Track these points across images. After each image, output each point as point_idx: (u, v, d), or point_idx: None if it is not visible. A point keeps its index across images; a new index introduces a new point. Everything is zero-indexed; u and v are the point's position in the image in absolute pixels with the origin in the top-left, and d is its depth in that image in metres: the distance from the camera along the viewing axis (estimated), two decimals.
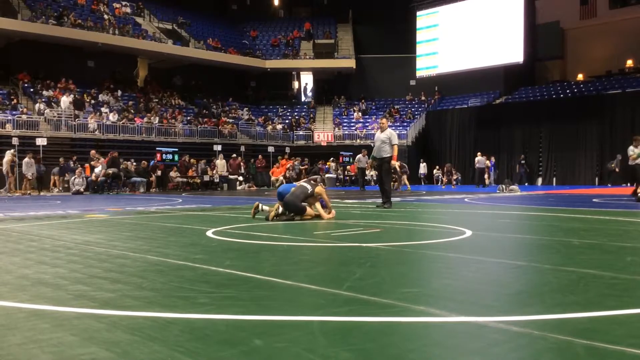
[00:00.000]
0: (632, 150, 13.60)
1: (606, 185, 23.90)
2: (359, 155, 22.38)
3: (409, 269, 4.05)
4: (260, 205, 8.35)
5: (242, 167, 26.02)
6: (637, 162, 13.59)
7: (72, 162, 21.28)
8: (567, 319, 2.52)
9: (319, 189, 8.12)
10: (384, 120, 11.04)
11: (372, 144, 31.67)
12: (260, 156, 27.48)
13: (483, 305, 2.82)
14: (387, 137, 10.29)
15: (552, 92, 29.92)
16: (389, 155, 10.22)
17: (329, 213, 8.15)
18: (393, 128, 32.67)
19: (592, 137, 26.28)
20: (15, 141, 20.69)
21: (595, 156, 26.23)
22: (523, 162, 27.22)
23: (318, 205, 8.10)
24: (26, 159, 19.70)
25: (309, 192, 7.98)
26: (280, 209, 7.93)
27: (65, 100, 24.89)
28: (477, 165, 24.75)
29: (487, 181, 24.75)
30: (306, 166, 27.31)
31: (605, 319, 2.54)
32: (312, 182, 8.34)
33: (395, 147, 10.30)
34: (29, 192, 19.39)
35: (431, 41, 33.55)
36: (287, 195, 7.96)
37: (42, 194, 19.70)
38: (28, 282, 3.50)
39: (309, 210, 7.95)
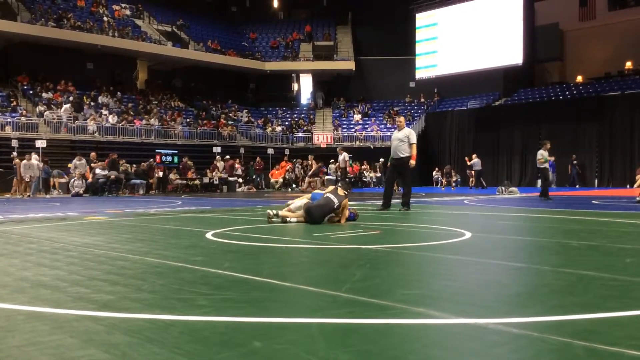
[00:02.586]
0: (540, 155, 14.22)
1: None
2: (344, 154, 20.92)
3: (409, 270, 4.05)
4: (271, 213, 7.81)
5: (239, 169, 25.91)
6: (544, 166, 14.26)
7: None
8: (566, 321, 2.52)
9: (346, 202, 7.60)
10: (402, 118, 10.51)
11: (371, 146, 31.59)
12: (258, 158, 27.41)
13: (483, 306, 2.82)
14: (405, 135, 9.86)
15: (552, 93, 29.96)
16: (407, 155, 9.80)
17: (342, 220, 7.69)
18: (393, 130, 32.88)
19: (592, 138, 26.31)
20: (14, 143, 20.70)
21: (594, 158, 26.25)
22: (575, 162, 26.00)
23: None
24: (24, 162, 19.69)
25: (335, 206, 7.45)
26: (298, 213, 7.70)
27: (68, 109, 24.83)
28: (474, 167, 24.73)
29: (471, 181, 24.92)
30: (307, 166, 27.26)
31: (605, 321, 2.54)
32: (338, 193, 7.63)
33: (414, 146, 9.87)
34: (28, 194, 19.38)
35: (430, 40, 33.60)
36: (314, 205, 7.51)
37: (39, 196, 19.67)
38: (27, 284, 3.49)
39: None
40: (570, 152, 26.72)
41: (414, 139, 9.89)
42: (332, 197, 7.51)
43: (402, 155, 9.83)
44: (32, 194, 19.09)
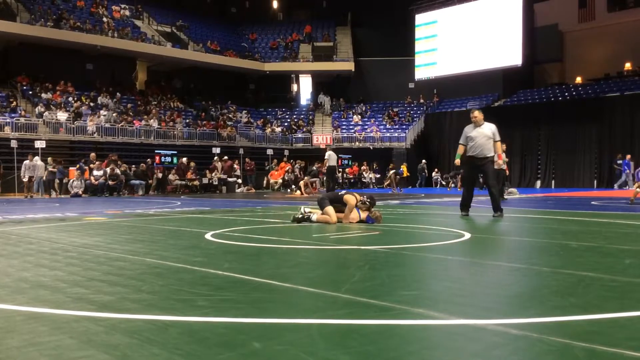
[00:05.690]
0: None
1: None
2: (331, 152, 19.23)
3: (408, 271, 4.05)
4: (302, 209, 7.97)
5: (237, 170, 25.82)
6: (501, 167, 13.98)
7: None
8: (566, 322, 2.52)
9: (348, 197, 7.70)
10: (478, 112, 9.14)
11: (370, 146, 31.31)
12: (247, 159, 27.18)
13: (482, 307, 2.82)
14: (492, 132, 8.89)
15: (551, 94, 29.98)
16: (493, 153, 8.83)
17: (344, 220, 7.73)
18: (392, 130, 32.97)
19: (591, 139, 26.35)
20: (14, 144, 20.70)
21: (593, 159, 26.28)
22: (631, 162, 24.40)
23: (329, 209, 7.74)
24: (26, 162, 19.70)
25: (339, 194, 8.05)
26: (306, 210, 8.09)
27: (62, 115, 24.77)
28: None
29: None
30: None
31: (604, 322, 2.53)
32: (353, 194, 7.92)
33: (499, 145, 8.98)
34: (31, 195, 19.41)
35: (430, 38, 33.61)
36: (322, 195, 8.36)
37: (34, 196, 19.64)
38: (26, 285, 3.49)
39: (327, 209, 7.69)
40: (569, 153, 26.76)
41: (498, 136, 8.96)
42: (343, 190, 8.41)
43: (488, 155, 8.84)
44: (40, 193, 19.45)
